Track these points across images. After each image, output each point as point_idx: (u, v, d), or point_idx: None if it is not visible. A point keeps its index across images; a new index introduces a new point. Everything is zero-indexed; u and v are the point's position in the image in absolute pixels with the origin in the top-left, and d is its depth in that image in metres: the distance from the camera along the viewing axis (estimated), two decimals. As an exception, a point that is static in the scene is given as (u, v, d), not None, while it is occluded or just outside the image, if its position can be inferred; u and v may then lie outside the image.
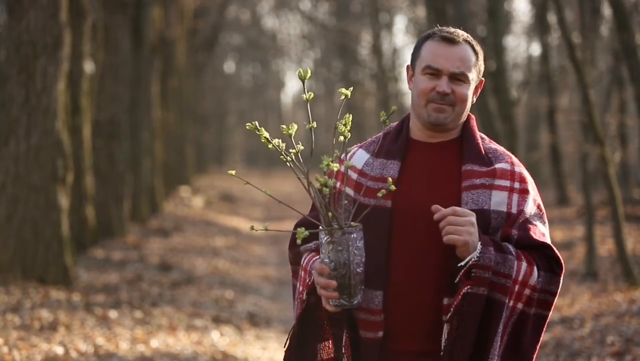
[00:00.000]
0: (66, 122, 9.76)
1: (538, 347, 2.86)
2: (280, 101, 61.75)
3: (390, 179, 2.74)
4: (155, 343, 7.85)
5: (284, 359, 2.96)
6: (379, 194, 2.74)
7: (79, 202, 12.03)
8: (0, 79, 9.65)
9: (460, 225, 2.69)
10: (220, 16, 31.72)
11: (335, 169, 2.70)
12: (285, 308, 11.01)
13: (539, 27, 21.46)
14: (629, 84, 14.14)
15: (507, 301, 2.75)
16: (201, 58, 32.07)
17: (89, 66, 12.80)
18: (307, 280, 2.87)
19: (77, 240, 11.73)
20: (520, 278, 2.75)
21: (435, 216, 2.72)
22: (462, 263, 2.71)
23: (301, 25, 42.99)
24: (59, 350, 7.03)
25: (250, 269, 14.02)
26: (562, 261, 2.84)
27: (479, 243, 2.71)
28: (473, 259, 2.70)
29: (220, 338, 8.56)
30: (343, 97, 2.73)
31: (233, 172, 2.80)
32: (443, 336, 2.76)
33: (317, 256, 2.89)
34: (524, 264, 2.77)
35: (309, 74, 2.73)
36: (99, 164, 14.20)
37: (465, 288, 2.71)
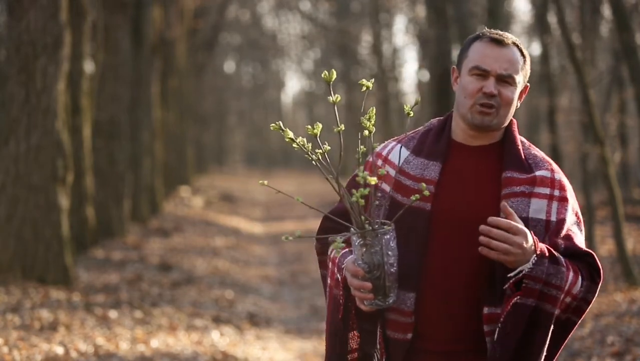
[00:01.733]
0: (66, 122, 9.76)
1: (560, 350, 2.86)
2: (280, 101, 61.76)
3: (423, 184, 2.70)
4: (155, 343, 7.85)
5: (327, 348, 2.94)
6: (413, 197, 2.71)
7: (79, 202, 12.03)
8: (0, 79, 9.65)
9: (510, 244, 2.68)
10: (220, 16, 31.71)
11: (373, 183, 2.66)
12: (286, 308, 11.01)
13: (539, 27, 21.45)
14: (629, 84, 14.14)
15: (555, 312, 2.74)
16: (201, 58, 32.06)
17: (89, 66, 12.80)
18: (337, 275, 2.86)
19: (77, 240, 11.73)
20: (566, 287, 2.75)
21: (490, 220, 2.69)
22: (512, 274, 2.70)
23: (301, 25, 43.00)
24: (59, 350, 7.03)
25: (250, 269, 14.02)
26: (602, 271, 2.83)
27: (534, 255, 2.69)
28: (525, 271, 2.69)
29: (220, 338, 8.56)
30: (364, 88, 2.68)
31: (265, 182, 2.76)
32: (489, 348, 2.76)
33: (347, 249, 2.88)
34: (572, 275, 2.76)
35: (334, 76, 2.67)
36: (99, 164, 14.19)
37: (515, 298, 2.70)
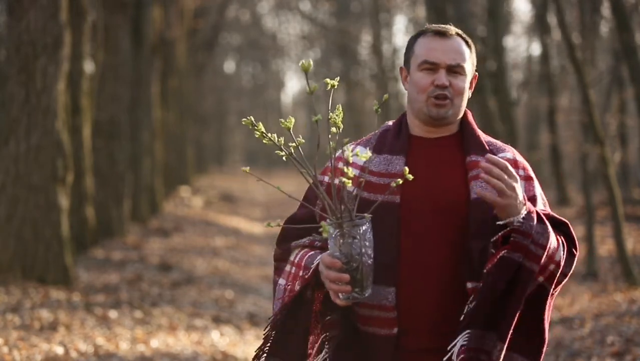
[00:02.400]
0: (66, 122, 9.76)
1: (547, 328, 2.85)
2: (280, 101, 61.77)
3: (406, 168, 2.70)
4: (155, 343, 7.86)
5: (261, 348, 2.93)
6: (393, 184, 2.71)
7: (79, 202, 12.03)
8: (0, 79, 9.65)
9: (506, 185, 2.67)
10: (220, 16, 31.71)
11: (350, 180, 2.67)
12: (285, 308, 11.00)
13: (539, 27, 21.46)
14: (629, 84, 14.15)
15: (537, 270, 2.74)
16: (201, 58, 32.07)
17: (89, 66, 12.80)
18: (305, 275, 2.85)
19: (77, 240, 11.73)
20: (549, 251, 2.76)
21: (488, 156, 2.69)
22: (503, 222, 2.70)
23: (301, 25, 43.00)
24: (59, 350, 7.03)
25: (250, 269, 14.02)
26: (577, 242, 2.86)
27: (524, 208, 2.71)
28: (515, 224, 2.69)
29: (220, 338, 8.57)
30: (329, 87, 2.71)
31: (247, 169, 2.78)
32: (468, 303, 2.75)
33: (312, 252, 2.89)
34: (554, 238, 2.78)
35: (311, 66, 2.70)
36: (99, 164, 14.20)
37: (502, 252, 2.70)
